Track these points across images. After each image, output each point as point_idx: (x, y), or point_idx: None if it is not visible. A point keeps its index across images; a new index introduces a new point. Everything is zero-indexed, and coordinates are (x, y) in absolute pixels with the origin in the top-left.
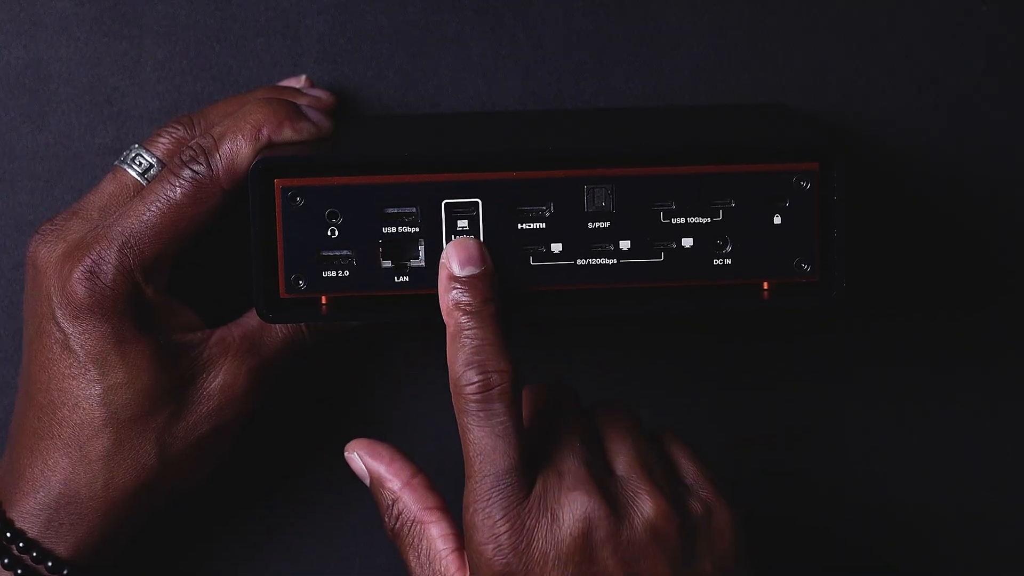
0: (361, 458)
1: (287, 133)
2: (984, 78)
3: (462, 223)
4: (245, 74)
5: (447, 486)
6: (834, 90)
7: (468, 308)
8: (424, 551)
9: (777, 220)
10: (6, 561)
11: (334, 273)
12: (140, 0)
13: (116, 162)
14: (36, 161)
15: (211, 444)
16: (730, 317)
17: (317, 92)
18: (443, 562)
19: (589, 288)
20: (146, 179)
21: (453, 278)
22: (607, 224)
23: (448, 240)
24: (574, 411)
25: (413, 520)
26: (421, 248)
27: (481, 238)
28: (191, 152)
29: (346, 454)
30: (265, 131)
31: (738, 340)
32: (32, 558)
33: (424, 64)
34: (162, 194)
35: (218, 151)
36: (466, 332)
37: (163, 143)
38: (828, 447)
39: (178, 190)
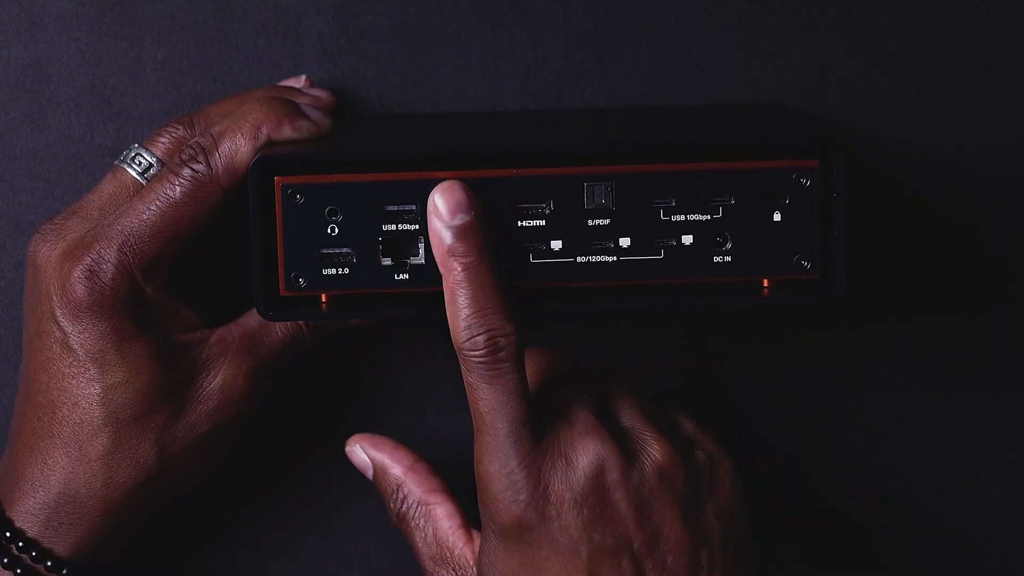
0: (364, 449)
1: (287, 131)
2: (984, 78)
3: None
4: (245, 74)
5: (447, 484)
6: (834, 90)
7: (465, 260)
8: (430, 531)
9: (777, 217)
10: (5, 560)
11: (334, 271)
12: (140, 0)
13: (116, 162)
14: (36, 161)
15: (210, 444)
16: (730, 314)
17: (317, 92)
18: (449, 539)
19: (589, 286)
20: (146, 178)
21: (446, 226)
22: (607, 221)
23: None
24: (579, 370)
25: (419, 502)
26: (421, 246)
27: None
28: (191, 151)
29: (347, 448)
30: (264, 130)
31: (738, 337)
32: (31, 557)
33: (424, 64)
34: (162, 193)
35: (217, 150)
36: (466, 288)
37: (163, 142)
38: (827, 445)
39: (178, 189)
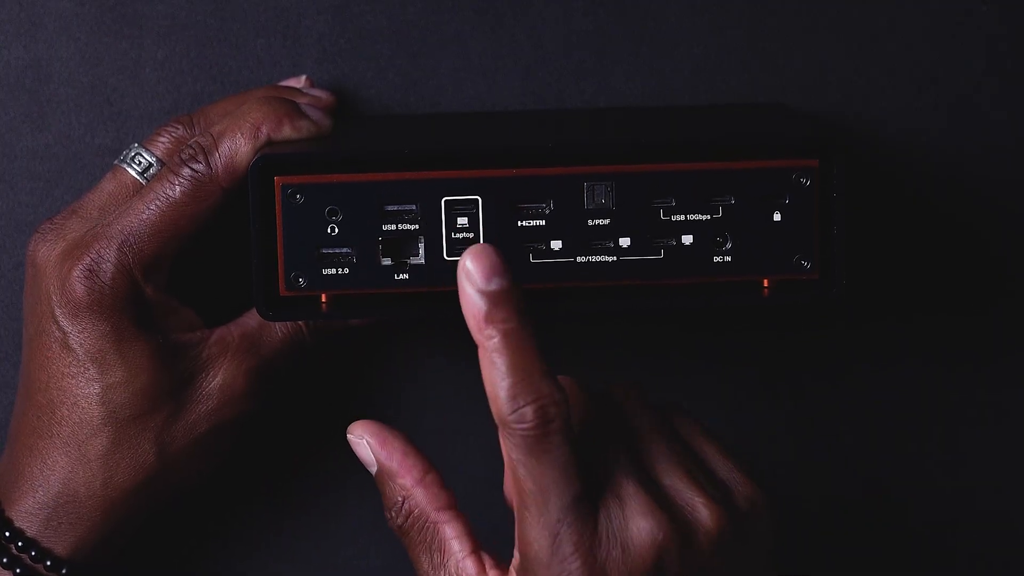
0: (370, 446)
1: (286, 131)
2: (984, 78)
3: (462, 220)
4: (245, 74)
5: (447, 484)
6: (834, 90)
7: (506, 327)
8: (439, 553)
9: (777, 217)
10: (5, 560)
11: (334, 271)
12: (140, 0)
13: (116, 161)
14: (36, 161)
15: (210, 443)
16: (730, 314)
17: (317, 92)
18: (459, 564)
19: (589, 285)
20: (146, 178)
21: (480, 291)
22: (607, 221)
23: (448, 235)
24: (602, 416)
25: (427, 521)
26: (421, 245)
27: (481, 235)
28: (190, 151)
29: (350, 437)
30: (264, 129)
31: (738, 338)
32: (31, 557)
33: (424, 64)
34: (161, 193)
35: (217, 149)
36: (505, 355)
37: (162, 142)
38: (827, 445)
39: (177, 189)
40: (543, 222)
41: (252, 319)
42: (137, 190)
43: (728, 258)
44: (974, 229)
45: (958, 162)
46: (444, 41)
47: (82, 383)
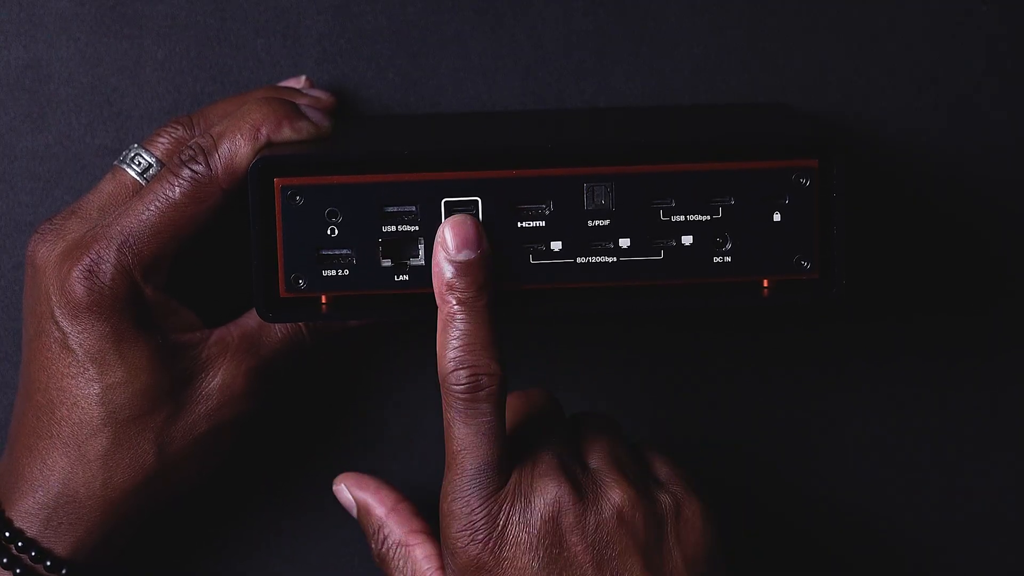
0: (348, 489)
1: (286, 133)
2: (984, 78)
3: None
4: (245, 74)
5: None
6: (834, 90)
7: (462, 296)
8: (408, 571)
9: (777, 217)
10: (5, 560)
11: (334, 272)
12: (140, 0)
13: (115, 162)
14: (36, 161)
15: (210, 444)
16: (730, 315)
17: (317, 93)
18: None
19: (589, 286)
20: (145, 179)
21: (449, 260)
22: (607, 222)
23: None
24: (555, 415)
25: (398, 543)
26: (421, 247)
27: None
28: (190, 152)
29: (334, 487)
30: (264, 131)
31: (738, 338)
32: (31, 557)
33: (424, 64)
34: (161, 194)
35: (217, 151)
36: (457, 323)
37: (162, 143)
38: (827, 445)
39: (177, 190)
40: (543, 223)
41: (252, 319)
42: (137, 191)
43: (728, 258)
44: (974, 229)
45: (958, 162)
46: (444, 41)
47: (82, 383)
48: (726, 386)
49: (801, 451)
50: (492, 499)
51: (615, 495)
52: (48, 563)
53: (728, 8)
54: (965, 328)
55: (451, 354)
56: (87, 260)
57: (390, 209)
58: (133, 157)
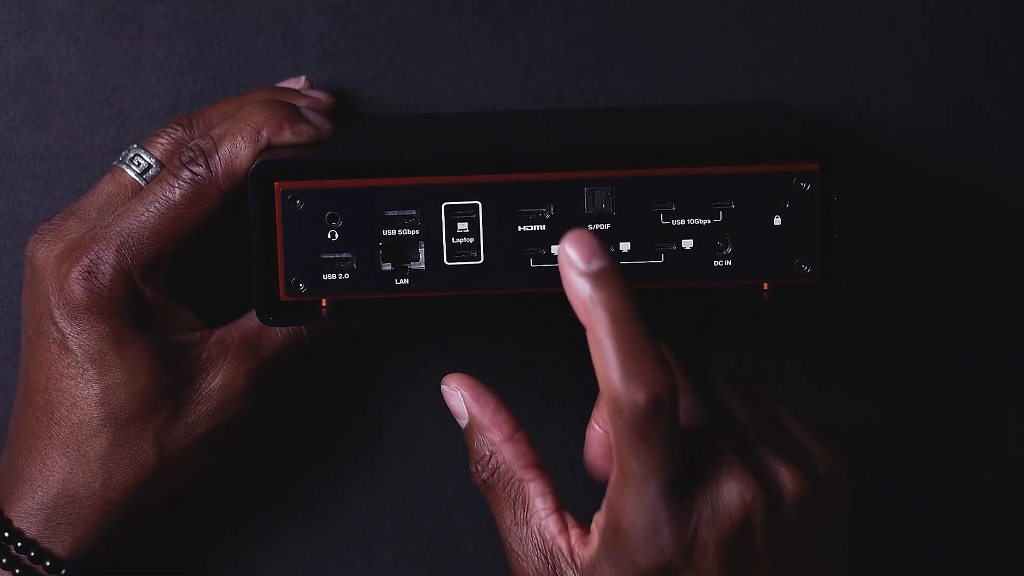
0: (464, 399)
1: (286, 135)
2: (984, 78)
3: (462, 225)
4: (245, 74)
5: (448, 484)
6: (834, 90)
7: (611, 307)
8: (521, 510)
9: (777, 221)
10: (4, 560)
11: (334, 276)
12: (140, 0)
13: (115, 162)
14: (36, 161)
15: (210, 444)
16: (730, 318)
17: (317, 94)
18: (542, 522)
19: None
20: (145, 179)
21: (583, 274)
22: (607, 226)
23: (448, 240)
24: (706, 399)
25: (512, 477)
26: (421, 251)
27: (481, 240)
28: (190, 153)
29: (444, 388)
30: (264, 133)
31: (738, 341)
32: (30, 558)
33: (424, 64)
34: (161, 195)
35: (217, 152)
36: (614, 336)
37: (162, 144)
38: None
39: (177, 191)
40: (543, 227)
41: (252, 320)
42: (136, 191)
43: (728, 262)
44: (974, 229)
45: (958, 162)
46: (444, 41)
47: (81, 384)
48: None
49: None
50: (680, 510)
51: (787, 481)
52: (47, 563)
53: (728, 8)
54: (965, 328)
55: (619, 374)
56: (86, 261)
57: (390, 213)
58: (132, 158)
